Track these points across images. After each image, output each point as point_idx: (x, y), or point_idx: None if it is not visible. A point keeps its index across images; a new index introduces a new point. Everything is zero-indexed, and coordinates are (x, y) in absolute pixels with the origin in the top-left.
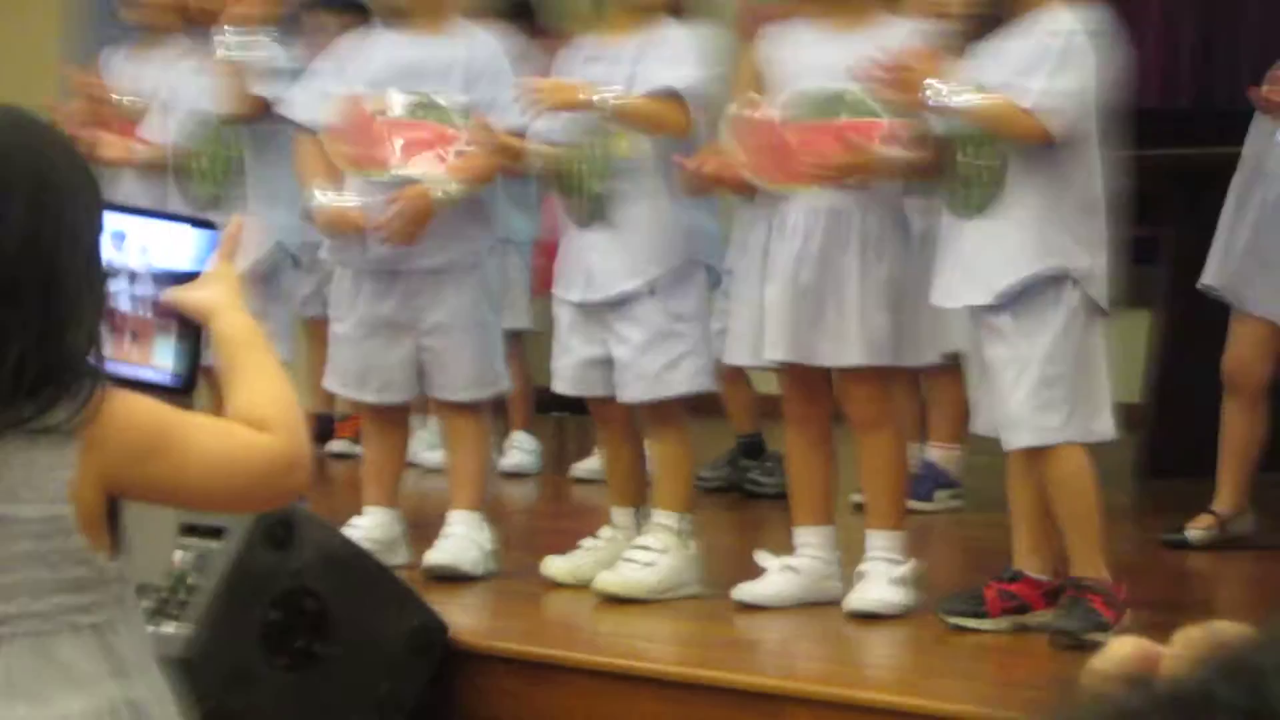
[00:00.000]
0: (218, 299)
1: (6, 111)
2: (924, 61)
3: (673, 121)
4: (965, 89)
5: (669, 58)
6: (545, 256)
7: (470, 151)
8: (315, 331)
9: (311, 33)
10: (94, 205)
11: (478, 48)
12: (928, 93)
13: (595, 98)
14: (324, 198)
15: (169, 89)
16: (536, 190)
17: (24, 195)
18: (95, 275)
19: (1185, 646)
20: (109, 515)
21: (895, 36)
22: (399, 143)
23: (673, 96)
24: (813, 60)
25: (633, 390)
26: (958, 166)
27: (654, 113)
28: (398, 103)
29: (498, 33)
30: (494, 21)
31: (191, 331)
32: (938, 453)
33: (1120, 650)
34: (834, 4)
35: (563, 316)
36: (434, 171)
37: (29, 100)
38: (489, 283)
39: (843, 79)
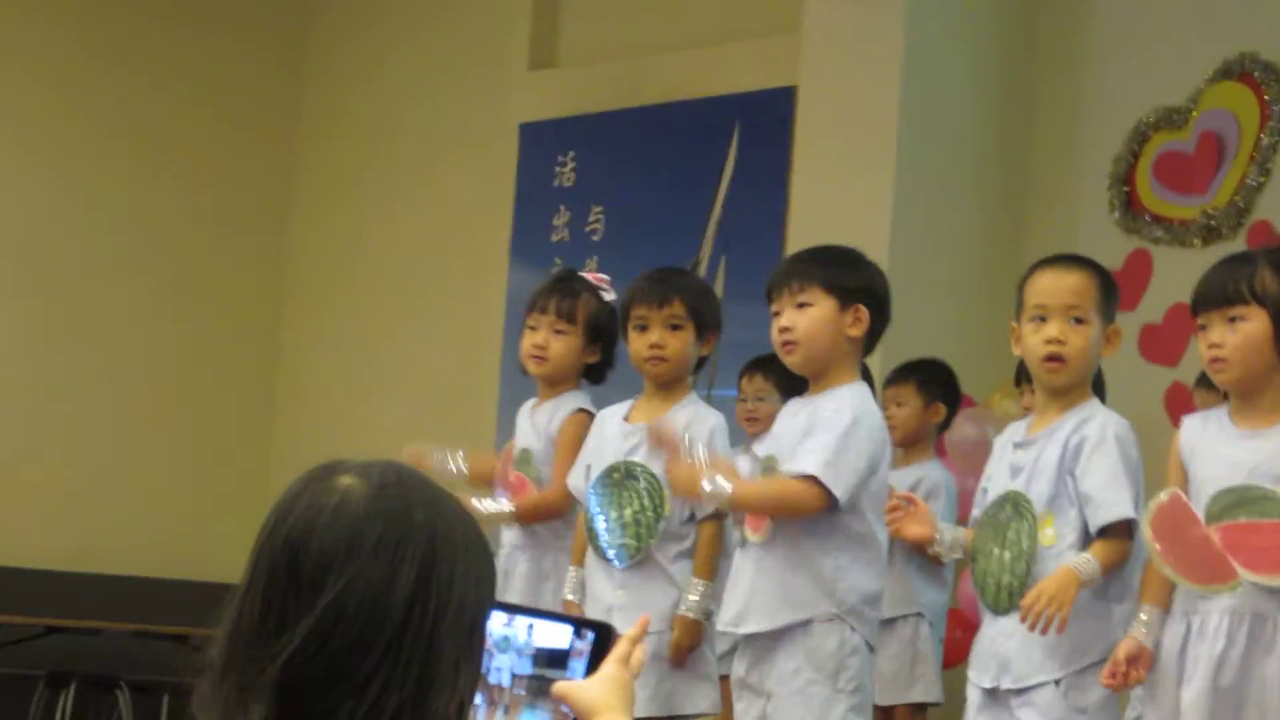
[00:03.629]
0: (604, 699)
1: (405, 469)
2: None
3: (1123, 556)
4: None
5: (1106, 479)
6: (960, 628)
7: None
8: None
9: (749, 398)
10: (484, 575)
11: (824, 409)
12: None
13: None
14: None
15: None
16: (954, 564)
17: (418, 554)
18: (476, 644)
19: None
20: None
21: None
22: None
23: (1124, 530)
24: (1232, 456)
25: None
26: None
27: (1112, 556)
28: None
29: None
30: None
31: None
32: None
33: None
34: (1250, 397)
35: (972, 697)
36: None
37: None
38: (821, 652)
39: (1264, 478)
